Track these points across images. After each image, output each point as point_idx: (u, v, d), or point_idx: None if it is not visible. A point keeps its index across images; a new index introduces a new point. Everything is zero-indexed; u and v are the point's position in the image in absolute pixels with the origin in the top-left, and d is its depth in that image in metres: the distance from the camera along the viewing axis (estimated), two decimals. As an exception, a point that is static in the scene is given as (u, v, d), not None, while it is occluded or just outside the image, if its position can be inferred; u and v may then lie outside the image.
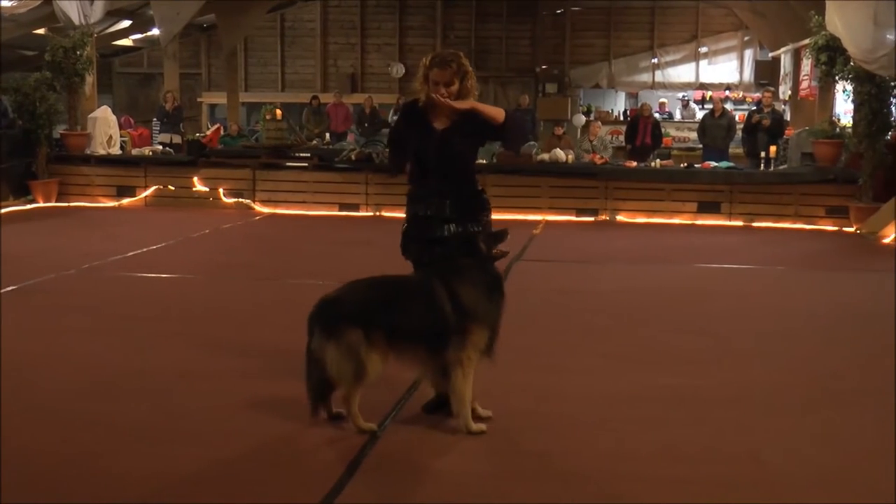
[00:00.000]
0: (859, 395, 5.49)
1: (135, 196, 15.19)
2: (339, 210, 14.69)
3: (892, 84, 13.00)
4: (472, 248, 4.74)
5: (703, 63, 23.87)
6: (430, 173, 4.95)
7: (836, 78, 14.11)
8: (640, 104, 20.92)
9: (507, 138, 5.08)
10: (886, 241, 11.97)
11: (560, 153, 14.63)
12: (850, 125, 14.63)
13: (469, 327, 4.56)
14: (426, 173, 4.97)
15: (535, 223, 13.63)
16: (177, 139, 19.01)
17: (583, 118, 22.41)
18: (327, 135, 19.88)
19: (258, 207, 14.89)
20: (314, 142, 17.79)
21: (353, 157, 14.82)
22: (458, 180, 4.96)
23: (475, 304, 4.59)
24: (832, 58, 13.69)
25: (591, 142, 16.56)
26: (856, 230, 13.08)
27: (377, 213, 14.56)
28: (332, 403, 4.74)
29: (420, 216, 5.00)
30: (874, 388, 5.64)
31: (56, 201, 15.02)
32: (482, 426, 4.67)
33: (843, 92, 14.72)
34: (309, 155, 15.79)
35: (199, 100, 25.85)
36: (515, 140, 5.23)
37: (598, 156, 15.15)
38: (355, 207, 14.72)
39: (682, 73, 23.96)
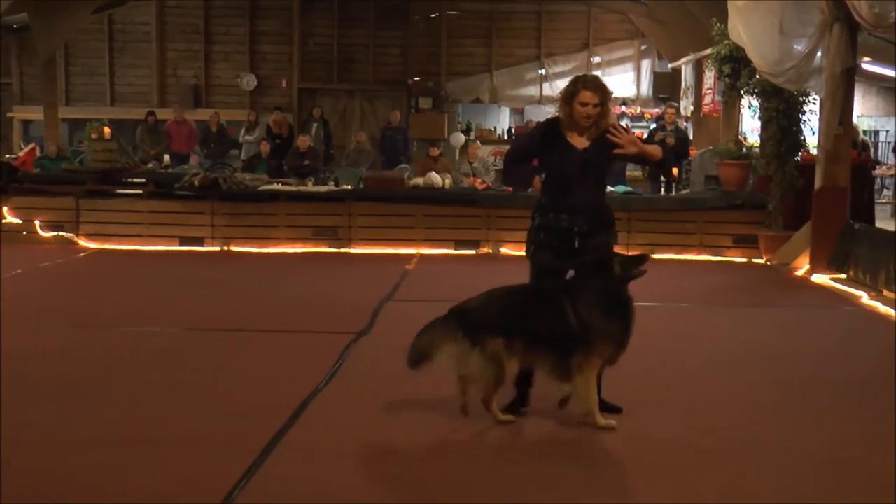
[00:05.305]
0: (769, 446, 5.64)
1: (-69, 230, 14.73)
2: (181, 244, 14.50)
3: (802, 99, 13.51)
4: (605, 270, 5.84)
5: (597, 74, 24.36)
6: (570, 189, 6.06)
7: (742, 92, 14.56)
8: (525, 121, 21.27)
9: (664, 168, 6.69)
10: (799, 273, 12.42)
11: (436, 177, 14.76)
12: (757, 144, 15.14)
13: (592, 339, 5.73)
14: (565, 188, 6.08)
15: (407, 257, 13.70)
16: (-18, 162, 18.47)
17: (462, 137, 22.62)
18: (166, 156, 19.61)
19: (83, 242, 14.59)
20: (150, 165, 17.53)
21: (196, 183, 14.66)
22: (593, 197, 6.14)
23: (593, 321, 5.72)
24: (736, 70, 14.14)
25: (470, 164, 16.77)
26: (766, 261, 13.53)
27: (225, 248, 14.42)
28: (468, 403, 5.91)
29: (556, 227, 6.08)
30: (785, 438, 5.83)
31: None
32: (612, 422, 5.85)
33: (750, 108, 15.24)
34: (144, 180, 15.55)
35: (9, 115, 25.14)
36: (671, 166, 6.35)
37: (479, 180, 15.33)
38: (199, 241, 14.55)
39: (574, 86, 24.44)
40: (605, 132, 6.03)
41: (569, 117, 6.07)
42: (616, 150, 6.00)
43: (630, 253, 6.28)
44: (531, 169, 6.58)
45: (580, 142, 6.09)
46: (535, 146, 6.35)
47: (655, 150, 6.22)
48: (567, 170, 6.07)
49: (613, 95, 6.49)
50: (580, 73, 6.90)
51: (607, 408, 6.04)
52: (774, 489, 4.97)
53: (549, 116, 6.49)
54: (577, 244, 6.05)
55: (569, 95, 6.06)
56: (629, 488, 4.96)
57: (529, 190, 6.56)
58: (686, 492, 4.91)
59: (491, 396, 5.84)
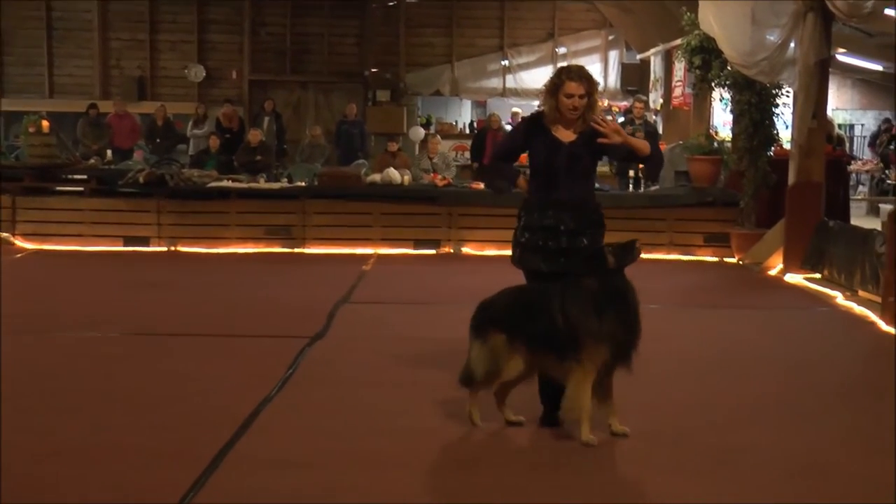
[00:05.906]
0: (749, 453, 5.67)
1: None
2: (125, 245, 14.39)
3: (775, 92, 13.60)
4: (599, 262, 5.73)
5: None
6: (557, 184, 6.07)
7: (713, 84, 14.64)
8: (488, 115, 21.29)
9: (652, 166, 6.59)
10: (772, 272, 12.50)
11: (394, 174, 14.73)
12: (729, 139, 15.21)
13: (583, 340, 5.63)
14: (551, 184, 6.08)
15: (364, 257, 13.67)
16: (-89, 158, 18.24)
17: (421, 131, 22.60)
18: (109, 152, 19.47)
19: (19, 243, 14.45)
20: (92, 160, 17.37)
21: (141, 180, 14.55)
22: (581, 193, 6.15)
23: (581, 321, 5.62)
24: (707, 61, 14.21)
25: (431, 160, 16.74)
26: (738, 260, 13.62)
27: (172, 248, 14.34)
28: (507, 411, 6.07)
29: (541, 225, 6.05)
30: (764, 443, 5.87)
31: None
32: (593, 438, 5.68)
33: (721, 100, 15.31)
34: (85, 177, 15.43)
35: (-60, 108, 24.94)
36: (657, 168, 6.86)
37: (439, 176, 15.32)
38: (145, 241, 14.44)
39: (538, 77, 24.23)
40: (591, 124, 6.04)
41: (554, 110, 6.09)
42: (600, 140, 5.93)
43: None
44: (513, 168, 6.52)
45: (566, 135, 6.09)
46: (520, 143, 6.39)
47: (643, 144, 6.17)
48: (553, 164, 6.06)
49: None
50: (546, 65, 6.93)
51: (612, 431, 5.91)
52: (762, 493, 5.02)
53: (533, 111, 6.53)
54: (563, 243, 6.01)
55: (553, 87, 6.11)
56: (615, 492, 4.96)
57: (514, 189, 6.49)
58: (671, 495, 4.94)
59: (477, 389, 5.96)
